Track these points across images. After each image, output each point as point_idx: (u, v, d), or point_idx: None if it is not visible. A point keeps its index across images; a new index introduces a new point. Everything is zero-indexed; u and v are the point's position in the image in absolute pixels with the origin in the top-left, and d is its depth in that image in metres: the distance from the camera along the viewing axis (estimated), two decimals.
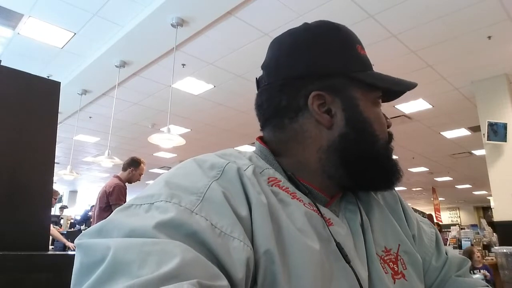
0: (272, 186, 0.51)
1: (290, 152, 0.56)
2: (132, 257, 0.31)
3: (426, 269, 0.62)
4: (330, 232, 0.49)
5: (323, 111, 0.54)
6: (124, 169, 3.69)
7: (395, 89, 0.58)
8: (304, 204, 0.51)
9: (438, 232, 0.69)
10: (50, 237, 4.01)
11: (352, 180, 0.55)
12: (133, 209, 0.40)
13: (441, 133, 7.21)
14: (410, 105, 5.78)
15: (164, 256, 0.32)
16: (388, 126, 0.59)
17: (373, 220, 0.59)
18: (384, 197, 0.66)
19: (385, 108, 0.56)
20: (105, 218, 0.39)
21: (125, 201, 3.35)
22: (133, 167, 3.66)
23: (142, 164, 3.70)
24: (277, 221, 0.46)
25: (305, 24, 0.59)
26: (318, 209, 0.51)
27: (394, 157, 0.60)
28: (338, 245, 0.48)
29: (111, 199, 3.40)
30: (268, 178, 0.52)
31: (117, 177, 3.62)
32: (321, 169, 0.55)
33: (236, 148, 0.58)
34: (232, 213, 0.41)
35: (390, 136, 0.59)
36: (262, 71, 0.59)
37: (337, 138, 0.54)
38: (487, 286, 0.62)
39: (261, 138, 0.60)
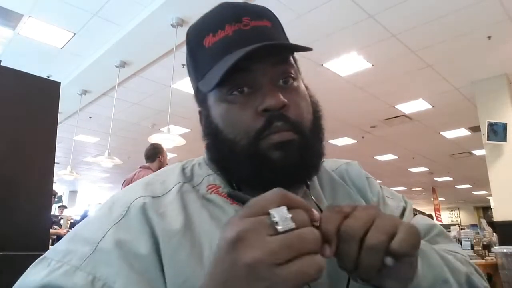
0: (211, 193, 0.51)
1: None
2: None
3: None
4: None
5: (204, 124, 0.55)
6: (152, 159, 3.56)
7: (216, 81, 0.46)
8: None
9: (411, 205, 0.65)
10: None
11: (244, 183, 0.51)
12: (42, 262, 0.43)
13: (441, 133, 7.21)
14: (410, 105, 5.77)
15: None
16: (268, 110, 0.47)
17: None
18: (352, 180, 0.63)
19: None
20: None
21: None
22: (161, 154, 3.57)
23: (164, 149, 3.65)
24: (199, 240, 0.45)
25: None
26: None
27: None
28: None
29: None
30: (208, 186, 0.52)
31: (149, 168, 3.46)
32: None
33: None
34: (122, 261, 0.41)
35: (266, 124, 0.47)
36: None
37: (207, 147, 0.55)
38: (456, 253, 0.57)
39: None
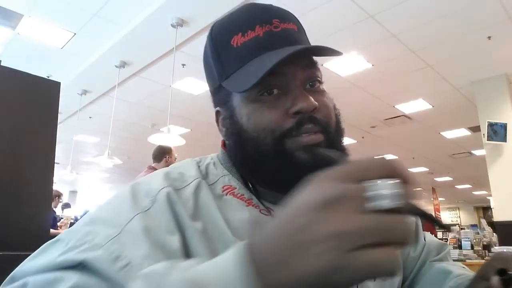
0: (226, 195, 0.51)
1: None
2: None
3: (405, 259, 0.62)
4: None
5: (223, 125, 0.55)
6: (159, 159, 3.55)
7: (253, 82, 0.46)
8: (260, 210, 0.51)
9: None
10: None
11: (266, 183, 0.52)
12: (57, 244, 0.42)
13: (441, 133, 7.20)
14: (410, 105, 5.77)
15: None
16: (299, 112, 0.48)
17: None
18: None
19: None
20: None
21: None
22: (168, 155, 3.55)
23: (172, 151, 3.63)
24: (214, 245, 0.45)
25: None
26: (271, 214, 0.50)
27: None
28: None
29: None
30: (223, 187, 0.52)
31: (153, 168, 3.42)
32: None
33: None
34: (150, 246, 0.40)
35: (295, 126, 0.48)
36: None
37: (229, 147, 0.55)
38: (464, 267, 0.62)
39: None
